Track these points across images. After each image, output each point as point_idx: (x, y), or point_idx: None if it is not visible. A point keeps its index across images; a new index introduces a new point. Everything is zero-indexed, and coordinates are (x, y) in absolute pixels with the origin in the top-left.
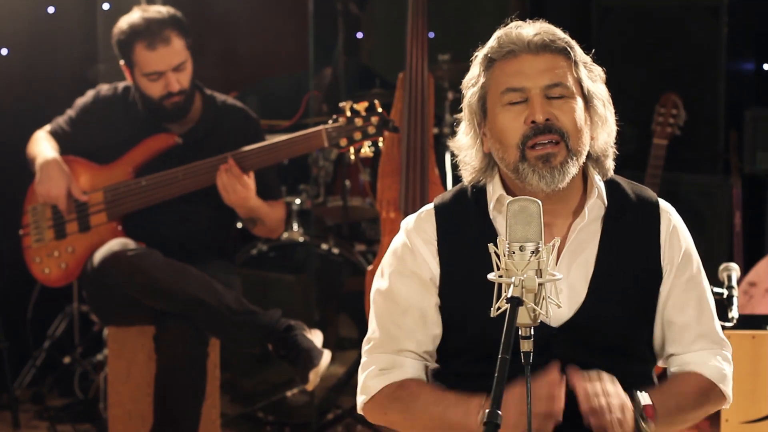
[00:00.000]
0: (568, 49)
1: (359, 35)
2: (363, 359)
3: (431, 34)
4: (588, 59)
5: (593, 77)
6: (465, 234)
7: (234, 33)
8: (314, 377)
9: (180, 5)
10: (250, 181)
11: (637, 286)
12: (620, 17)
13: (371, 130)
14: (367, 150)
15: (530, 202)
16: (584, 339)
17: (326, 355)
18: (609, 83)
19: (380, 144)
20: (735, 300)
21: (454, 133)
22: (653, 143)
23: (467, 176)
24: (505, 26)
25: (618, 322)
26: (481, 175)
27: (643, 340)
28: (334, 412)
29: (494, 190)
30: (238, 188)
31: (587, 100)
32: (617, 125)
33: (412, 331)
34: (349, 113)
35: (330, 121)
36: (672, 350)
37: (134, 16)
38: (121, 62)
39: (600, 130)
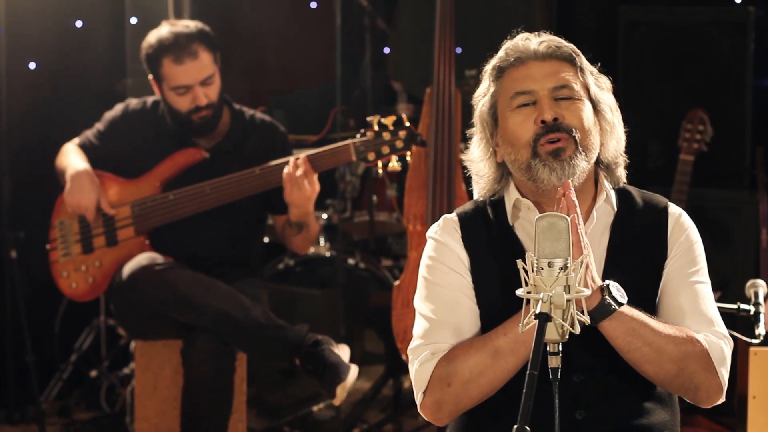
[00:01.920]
0: (574, 55)
1: (386, 50)
2: (410, 357)
3: (458, 50)
4: (594, 69)
5: (600, 85)
6: (487, 244)
7: (262, 47)
8: (341, 392)
9: (208, 19)
10: (317, 183)
11: (643, 290)
12: (647, 32)
13: (399, 144)
14: (394, 164)
15: (558, 218)
16: (597, 340)
17: (353, 370)
18: (635, 98)
19: (408, 158)
20: (762, 317)
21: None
22: (680, 159)
23: (481, 189)
24: (511, 39)
25: None
26: (496, 185)
27: None
28: (360, 427)
29: (510, 197)
30: (306, 186)
31: (594, 105)
32: (643, 139)
33: (455, 319)
34: (376, 127)
35: (358, 135)
36: None
37: (162, 30)
38: (150, 77)
39: (609, 136)
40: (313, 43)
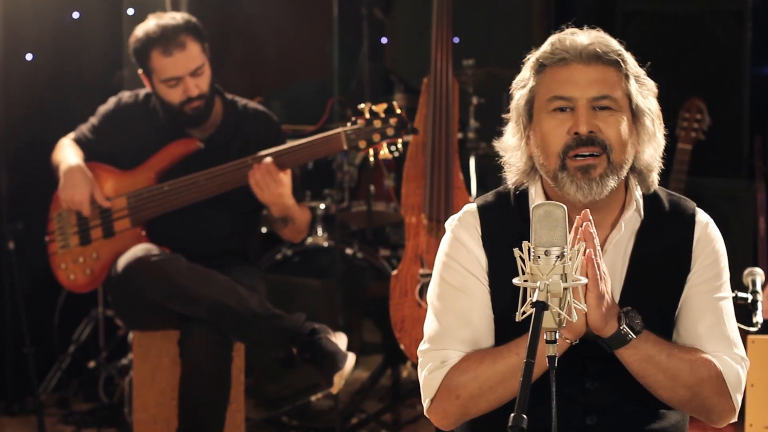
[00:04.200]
0: (620, 61)
1: (384, 40)
2: (419, 359)
3: (456, 39)
4: (641, 72)
5: (644, 92)
6: (508, 236)
7: (259, 38)
8: (339, 380)
9: (205, 11)
10: (285, 178)
11: (664, 299)
12: (644, 22)
13: (390, 131)
14: (386, 152)
15: (555, 206)
16: (608, 351)
17: (351, 359)
18: None
19: (399, 146)
20: (759, 305)
21: (479, 138)
22: (678, 148)
23: (512, 177)
24: (560, 32)
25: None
26: (525, 177)
27: None
28: (359, 417)
29: (536, 196)
30: (272, 185)
31: (635, 115)
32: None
33: (472, 329)
34: (368, 115)
35: (349, 124)
36: None
37: (149, 23)
38: (140, 70)
39: (647, 145)
40: (310, 33)
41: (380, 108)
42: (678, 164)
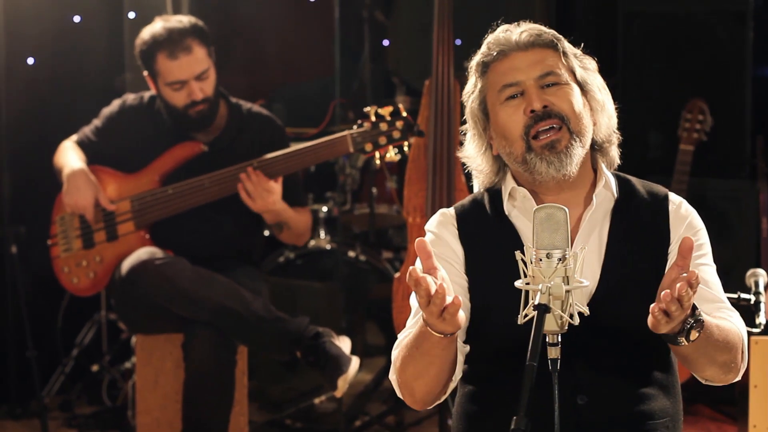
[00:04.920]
0: (555, 41)
1: (385, 42)
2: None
3: (458, 41)
4: (578, 51)
5: (585, 66)
6: (484, 233)
7: (260, 41)
8: (343, 384)
9: (206, 14)
10: (276, 186)
11: (646, 275)
12: (646, 23)
13: (396, 134)
14: (392, 155)
15: (557, 209)
16: (598, 327)
17: (354, 362)
18: (635, 89)
19: (405, 148)
20: (762, 306)
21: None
22: (680, 149)
23: (480, 182)
24: (492, 33)
25: (630, 310)
26: (494, 177)
27: None
28: (362, 419)
29: (507, 187)
30: (264, 194)
31: (582, 87)
32: (643, 130)
33: None
34: (374, 118)
35: (355, 126)
36: None
37: (156, 26)
38: (145, 73)
39: (600, 115)
40: (312, 36)
41: (386, 111)
42: (680, 165)
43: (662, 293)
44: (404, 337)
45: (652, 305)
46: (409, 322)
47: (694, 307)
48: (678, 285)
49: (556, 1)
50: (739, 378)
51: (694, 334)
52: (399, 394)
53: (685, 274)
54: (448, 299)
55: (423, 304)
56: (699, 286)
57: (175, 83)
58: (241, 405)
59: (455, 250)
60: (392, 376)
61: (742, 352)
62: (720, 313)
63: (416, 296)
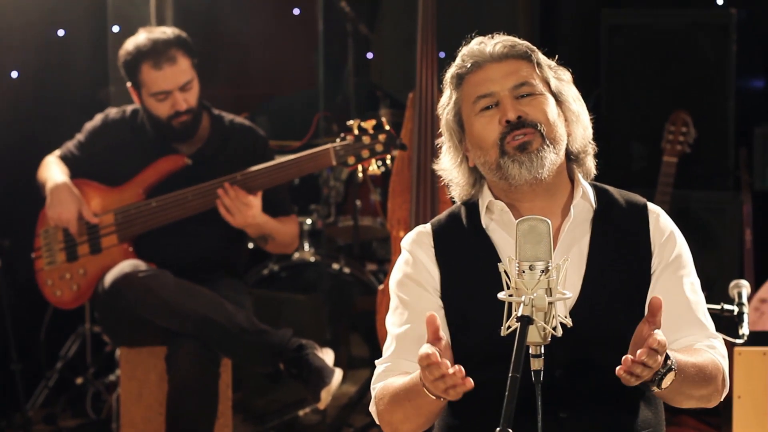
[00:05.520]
0: (529, 52)
1: (369, 55)
2: (374, 373)
3: (442, 54)
4: (552, 62)
5: (560, 77)
6: (461, 248)
7: (244, 53)
8: (326, 396)
9: (191, 27)
10: (255, 200)
11: (628, 285)
12: (629, 35)
13: (379, 147)
14: (375, 168)
15: (539, 221)
16: (579, 337)
17: (338, 374)
18: (618, 101)
19: (388, 162)
20: (745, 317)
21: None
22: (663, 161)
23: (457, 194)
24: (465, 45)
25: (612, 321)
26: (471, 189)
27: None
28: (346, 431)
29: (484, 200)
30: (243, 209)
31: (556, 97)
32: (626, 142)
33: (420, 337)
34: (356, 131)
35: (338, 140)
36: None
37: (140, 37)
38: (128, 84)
39: (575, 126)
40: (296, 49)
41: (369, 124)
42: (664, 177)
43: (624, 357)
44: (389, 382)
45: (617, 368)
46: (388, 347)
47: (667, 356)
48: (639, 351)
49: (540, 13)
50: (721, 400)
51: (666, 382)
52: (381, 427)
53: (656, 331)
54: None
55: (431, 379)
56: (681, 309)
57: (159, 93)
58: (225, 417)
59: (430, 272)
60: (373, 409)
61: (723, 380)
62: (701, 343)
63: (428, 373)
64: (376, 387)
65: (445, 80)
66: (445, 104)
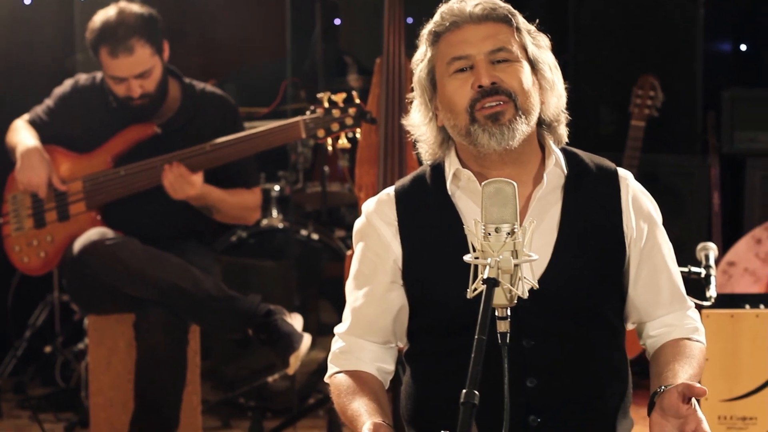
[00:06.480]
0: (510, 16)
1: (337, 21)
2: (334, 338)
3: (409, 20)
4: (532, 27)
5: (538, 44)
6: (426, 214)
7: (212, 21)
8: (294, 361)
9: None
10: (197, 179)
11: (600, 252)
12: (597, 0)
13: (349, 121)
14: (344, 141)
15: (505, 183)
16: (549, 306)
17: (306, 339)
18: (587, 66)
19: (357, 135)
20: (713, 279)
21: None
22: (631, 125)
23: (424, 152)
24: (446, 2)
25: (582, 289)
26: (438, 149)
27: (610, 306)
28: (315, 397)
29: (450, 165)
30: (185, 187)
31: (533, 65)
32: (594, 107)
33: (376, 315)
34: (326, 104)
35: (308, 112)
36: (645, 316)
37: (109, 12)
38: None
39: (549, 94)
40: (264, 15)
41: (339, 97)
42: (631, 141)
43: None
44: (343, 390)
45: None
46: (346, 318)
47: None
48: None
49: None
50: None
51: None
52: None
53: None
54: None
55: None
56: (663, 281)
57: (114, 78)
58: (193, 384)
59: (387, 243)
60: (327, 380)
61: (702, 345)
62: (682, 325)
63: None
64: (334, 377)
65: (421, 35)
66: (419, 60)
